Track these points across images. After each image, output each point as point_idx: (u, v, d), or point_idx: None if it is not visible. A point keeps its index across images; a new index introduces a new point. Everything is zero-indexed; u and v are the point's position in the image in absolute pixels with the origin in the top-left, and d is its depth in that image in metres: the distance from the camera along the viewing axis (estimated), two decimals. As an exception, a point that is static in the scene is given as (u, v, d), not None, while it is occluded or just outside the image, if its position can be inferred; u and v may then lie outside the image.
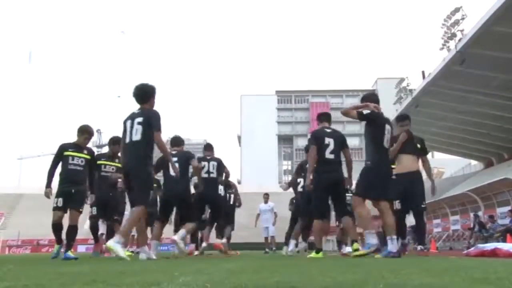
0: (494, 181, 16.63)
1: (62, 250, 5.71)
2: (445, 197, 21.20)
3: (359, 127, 56.21)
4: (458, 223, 18.99)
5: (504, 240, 11.57)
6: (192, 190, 6.60)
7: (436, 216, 21.10)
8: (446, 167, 44.05)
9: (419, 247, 5.90)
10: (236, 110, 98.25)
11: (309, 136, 6.18)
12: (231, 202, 9.35)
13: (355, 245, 5.53)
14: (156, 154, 5.23)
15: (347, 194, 6.12)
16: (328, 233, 11.49)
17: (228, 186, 9.44)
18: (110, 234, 7.11)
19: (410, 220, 6.12)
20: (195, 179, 6.60)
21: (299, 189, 7.85)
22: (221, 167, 7.29)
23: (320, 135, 5.56)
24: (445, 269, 2.46)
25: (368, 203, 4.97)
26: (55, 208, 5.56)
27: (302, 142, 63.49)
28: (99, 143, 63.31)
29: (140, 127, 4.74)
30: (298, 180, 7.91)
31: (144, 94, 4.98)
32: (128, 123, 4.86)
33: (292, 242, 8.23)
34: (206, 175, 6.96)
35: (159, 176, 6.44)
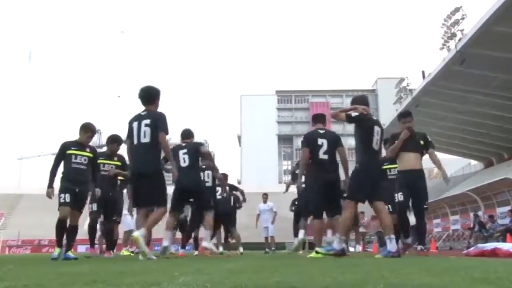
0: (494, 181, 16.65)
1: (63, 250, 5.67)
2: (445, 197, 21.22)
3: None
4: (458, 223, 19.01)
5: (504, 240, 11.58)
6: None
7: (436, 216, 21.12)
8: (446, 167, 43.30)
9: (419, 247, 5.90)
10: (236, 110, 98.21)
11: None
12: (232, 203, 9.35)
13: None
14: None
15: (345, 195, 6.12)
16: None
17: (235, 188, 9.46)
18: (108, 236, 7.09)
19: (410, 219, 6.12)
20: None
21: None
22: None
23: (312, 136, 5.62)
24: (445, 269, 2.46)
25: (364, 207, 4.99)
26: (63, 204, 5.35)
27: (302, 142, 63.34)
28: (99, 143, 63.28)
29: (148, 129, 4.84)
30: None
31: (150, 96, 5.10)
32: (135, 124, 4.94)
33: (302, 232, 8.18)
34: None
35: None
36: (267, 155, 69.61)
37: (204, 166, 7.19)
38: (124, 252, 8.88)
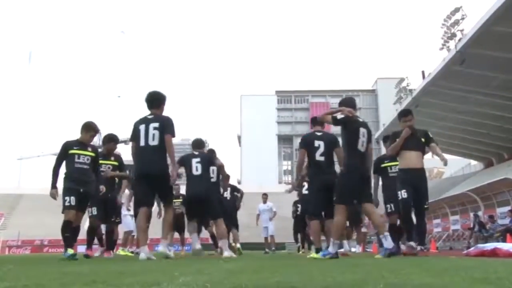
0: (494, 181, 16.63)
1: (62, 250, 5.64)
2: (445, 197, 21.22)
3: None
4: (458, 223, 18.98)
5: (504, 240, 11.57)
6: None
7: (436, 216, 21.09)
8: (446, 167, 44.04)
9: (419, 247, 5.89)
10: (236, 110, 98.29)
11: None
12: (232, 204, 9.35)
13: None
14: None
15: None
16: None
17: (236, 190, 9.48)
18: (109, 237, 7.07)
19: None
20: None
21: (304, 191, 7.88)
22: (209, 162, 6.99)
23: (309, 138, 5.69)
24: (445, 269, 2.46)
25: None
26: (68, 207, 5.25)
27: (302, 142, 63.33)
28: (99, 143, 63.21)
29: (157, 132, 5.01)
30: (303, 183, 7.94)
31: (157, 100, 5.30)
32: (142, 127, 5.07)
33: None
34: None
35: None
36: (267, 155, 69.58)
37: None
38: (121, 252, 8.85)
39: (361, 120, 5.12)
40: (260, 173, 62.13)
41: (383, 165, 6.52)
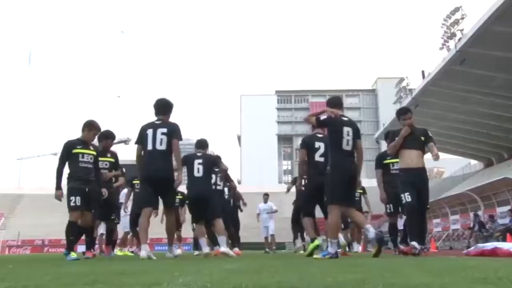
0: (494, 181, 16.65)
1: (63, 250, 5.63)
2: (445, 197, 21.22)
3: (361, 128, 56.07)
4: (458, 222, 18.97)
5: (504, 240, 11.57)
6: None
7: (436, 216, 21.08)
8: (446, 167, 44.04)
9: (419, 247, 5.88)
10: (236, 110, 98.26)
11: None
12: (232, 204, 9.31)
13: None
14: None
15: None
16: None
17: (229, 179, 9.45)
18: (109, 234, 7.08)
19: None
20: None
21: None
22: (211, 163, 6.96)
23: (310, 140, 5.83)
24: (445, 269, 2.46)
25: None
26: (74, 208, 5.18)
27: (302, 142, 63.36)
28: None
29: (165, 137, 5.17)
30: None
31: (166, 107, 5.50)
32: (150, 131, 5.21)
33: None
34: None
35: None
36: (267, 155, 69.57)
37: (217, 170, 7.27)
38: (118, 252, 8.85)
39: (346, 119, 5.09)
40: (260, 173, 62.10)
41: (385, 162, 6.51)
